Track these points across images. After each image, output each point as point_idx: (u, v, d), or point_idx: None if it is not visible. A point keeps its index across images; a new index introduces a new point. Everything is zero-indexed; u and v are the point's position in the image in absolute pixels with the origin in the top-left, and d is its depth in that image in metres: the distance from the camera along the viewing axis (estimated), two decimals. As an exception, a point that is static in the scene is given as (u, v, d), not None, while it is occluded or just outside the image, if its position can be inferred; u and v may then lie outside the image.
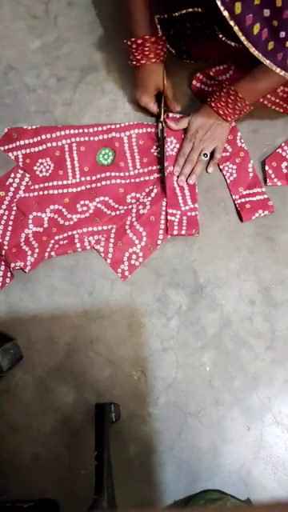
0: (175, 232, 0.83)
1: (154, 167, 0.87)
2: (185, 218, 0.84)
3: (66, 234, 0.83)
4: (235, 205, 0.85)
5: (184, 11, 0.86)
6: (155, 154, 0.87)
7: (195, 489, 0.72)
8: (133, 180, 0.87)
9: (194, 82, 0.90)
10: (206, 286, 0.81)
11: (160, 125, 0.86)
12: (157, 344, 0.78)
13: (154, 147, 0.88)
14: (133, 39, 0.80)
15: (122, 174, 0.87)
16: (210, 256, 0.83)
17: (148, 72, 0.82)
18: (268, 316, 0.80)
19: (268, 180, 0.85)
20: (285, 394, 0.76)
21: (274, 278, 0.82)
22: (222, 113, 0.80)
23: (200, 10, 0.85)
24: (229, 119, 0.81)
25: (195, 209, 0.84)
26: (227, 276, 0.82)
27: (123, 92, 0.92)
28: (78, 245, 0.82)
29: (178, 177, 0.86)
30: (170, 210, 0.84)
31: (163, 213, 0.85)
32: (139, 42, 0.79)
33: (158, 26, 0.86)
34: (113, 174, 0.87)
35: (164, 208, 0.85)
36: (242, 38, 0.61)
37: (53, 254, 0.82)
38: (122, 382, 0.77)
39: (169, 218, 0.83)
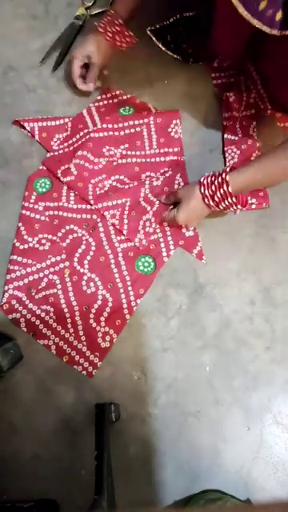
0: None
1: (171, 149, 0.88)
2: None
3: (98, 184, 0.85)
4: None
5: (172, 19, 0.87)
6: (172, 134, 0.89)
7: (195, 489, 0.72)
8: (148, 160, 0.87)
9: (214, 82, 0.92)
10: (206, 286, 0.81)
11: None
12: (157, 344, 0.78)
13: (172, 126, 0.89)
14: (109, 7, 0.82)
15: (138, 153, 0.88)
16: (210, 256, 0.83)
17: (92, 36, 0.84)
18: (268, 316, 0.80)
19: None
20: (285, 394, 0.76)
21: (274, 278, 0.82)
22: (206, 202, 0.75)
23: (190, 14, 0.85)
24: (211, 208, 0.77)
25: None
26: (227, 276, 0.82)
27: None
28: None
29: None
30: None
31: (177, 182, 0.85)
32: (108, 12, 0.82)
33: (154, 38, 0.86)
34: (136, 122, 0.88)
35: (178, 178, 0.86)
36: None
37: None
38: (122, 382, 0.76)
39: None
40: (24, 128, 0.88)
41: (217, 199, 0.73)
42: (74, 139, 0.87)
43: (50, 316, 0.78)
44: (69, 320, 0.78)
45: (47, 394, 0.76)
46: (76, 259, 0.81)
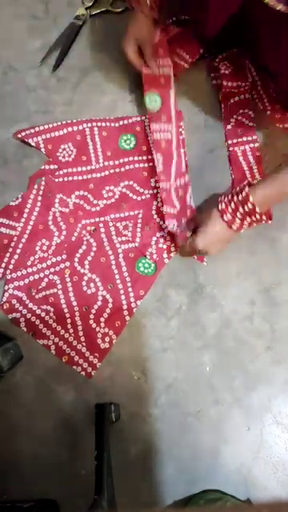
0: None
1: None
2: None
3: (93, 220, 0.83)
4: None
5: (184, 17, 0.87)
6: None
7: (195, 489, 0.72)
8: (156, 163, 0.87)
9: (214, 82, 0.92)
10: (206, 286, 0.81)
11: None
12: (157, 344, 0.78)
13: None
14: None
15: (144, 158, 0.87)
16: (210, 256, 0.82)
17: (134, 20, 0.80)
18: (268, 316, 0.80)
19: None
20: (285, 394, 0.76)
21: (274, 278, 0.82)
22: (225, 219, 0.72)
23: (186, 17, 0.86)
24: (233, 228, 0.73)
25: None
26: (227, 276, 0.82)
27: (123, 92, 0.92)
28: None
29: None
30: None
31: (188, 196, 0.85)
32: None
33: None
34: (136, 158, 0.87)
35: (190, 192, 0.85)
36: None
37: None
38: (122, 382, 0.76)
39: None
40: (26, 142, 0.87)
41: (239, 215, 0.70)
42: (75, 170, 0.86)
43: (50, 316, 0.78)
44: (69, 320, 0.78)
45: (47, 394, 0.76)
46: (77, 259, 0.81)
